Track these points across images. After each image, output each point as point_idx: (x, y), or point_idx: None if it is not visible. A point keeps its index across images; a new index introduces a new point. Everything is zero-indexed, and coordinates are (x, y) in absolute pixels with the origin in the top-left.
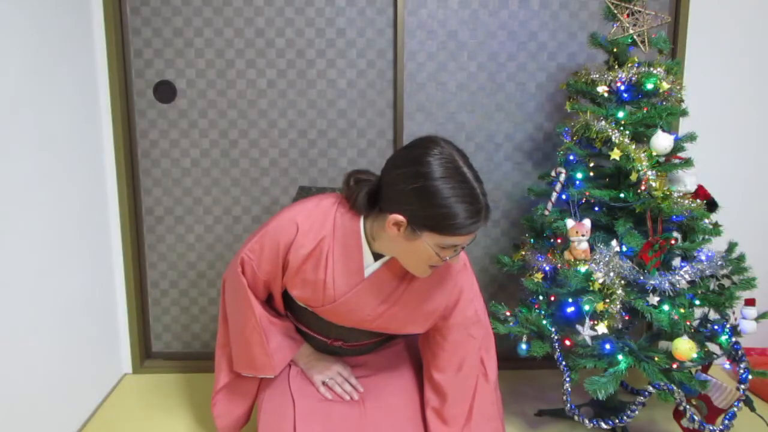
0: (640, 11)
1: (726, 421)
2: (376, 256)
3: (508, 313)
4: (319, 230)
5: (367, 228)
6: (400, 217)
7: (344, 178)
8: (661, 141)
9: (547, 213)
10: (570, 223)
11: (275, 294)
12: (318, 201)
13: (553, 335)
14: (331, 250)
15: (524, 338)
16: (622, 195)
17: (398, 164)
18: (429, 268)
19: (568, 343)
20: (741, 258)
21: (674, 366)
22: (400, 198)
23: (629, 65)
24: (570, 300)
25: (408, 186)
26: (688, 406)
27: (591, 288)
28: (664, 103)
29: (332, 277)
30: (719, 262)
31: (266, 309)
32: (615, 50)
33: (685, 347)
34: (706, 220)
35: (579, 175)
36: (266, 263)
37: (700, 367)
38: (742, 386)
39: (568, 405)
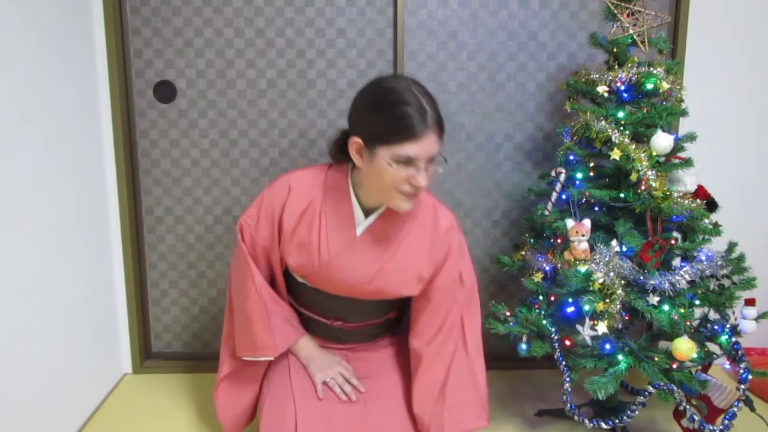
0: (640, 11)
1: (726, 421)
2: (368, 214)
3: (508, 313)
4: (311, 191)
5: (353, 182)
6: (357, 139)
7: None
8: (661, 141)
9: (547, 213)
10: (570, 223)
11: (276, 271)
12: (310, 167)
13: (553, 335)
14: (324, 210)
15: (524, 338)
16: (622, 195)
17: (356, 96)
18: (402, 196)
19: (568, 343)
20: (741, 258)
21: (674, 366)
22: (355, 121)
23: (629, 65)
24: (570, 300)
25: (359, 107)
26: (688, 406)
27: (591, 288)
28: (664, 103)
29: (326, 236)
30: (719, 262)
31: (268, 285)
32: (615, 50)
33: (685, 347)
34: (706, 220)
35: (579, 175)
36: (263, 228)
37: (700, 367)
38: (742, 386)
39: (568, 405)
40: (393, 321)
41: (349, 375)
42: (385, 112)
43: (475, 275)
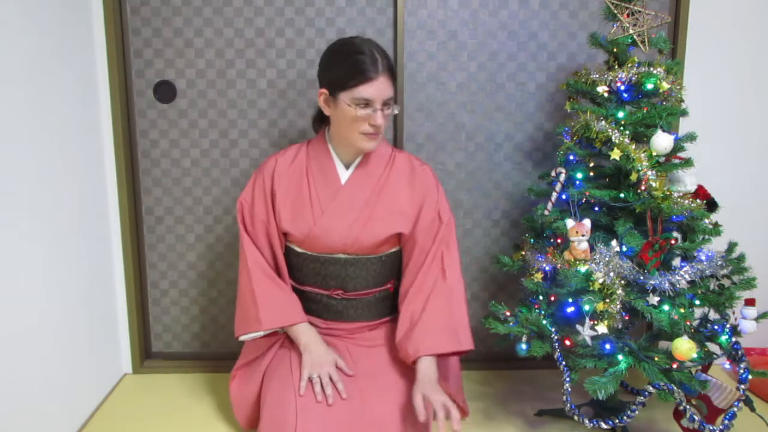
0: (640, 11)
1: (726, 421)
2: (348, 166)
3: (508, 313)
4: (294, 158)
5: (330, 139)
6: (323, 90)
7: None
8: (661, 141)
9: (547, 213)
10: (570, 223)
11: (276, 248)
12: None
13: (553, 335)
14: (309, 170)
15: (524, 338)
16: (622, 195)
17: (321, 56)
18: (363, 136)
19: (568, 343)
20: (741, 258)
21: (674, 366)
22: (321, 76)
23: (629, 65)
24: (570, 300)
25: (322, 62)
26: (688, 406)
27: (591, 288)
28: (664, 103)
29: (315, 191)
30: (719, 262)
31: (263, 262)
32: (615, 50)
33: (685, 347)
34: (706, 220)
35: (579, 175)
36: (258, 201)
37: (700, 367)
38: (742, 386)
39: (568, 405)
40: (391, 295)
41: (336, 378)
42: (343, 61)
43: (451, 213)
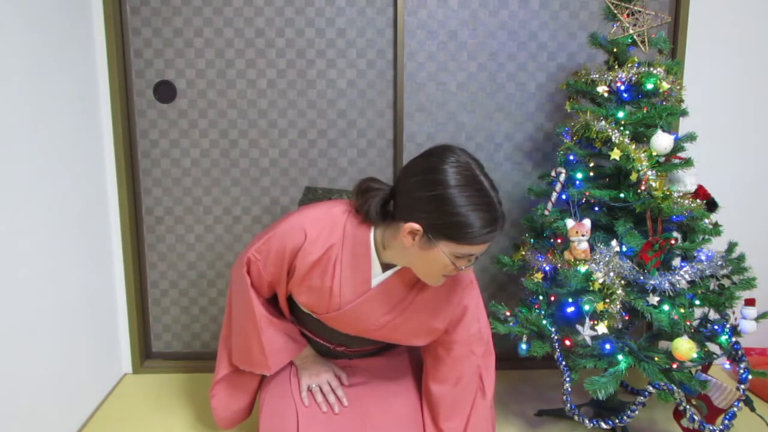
0: (640, 11)
1: (726, 421)
2: (385, 267)
3: (508, 313)
4: (327, 238)
5: (377, 237)
6: (416, 226)
7: (355, 187)
8: (661, 141)
9: (547, 213)
10: (570, 223)
11: (280, 298)
12: (328, 208)
13: (553, 335)
14: (339, 259)
15: (524, 338)
16: (622, 195)
17: (415, 172)
18: (442, 277)
19: (568, 343)
20: (741, 258)
21: (674, 366)
22: (415, 206)
23: (629, 65)
24: (570, 300)
25: (424, 194)
26: (688, 406)
27: (591, 288)
28: (664, 103)
29: (339, 285)
30: (719, 262)
31: (268, 309)
32: (615, 50)
33: (685, 347)
34: (706, 220)
35: (579, 175)
36: (272, 265)
37: (700, 367)
38: (742, 386)
39: (568, 405)
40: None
41: (335, 385)
42: (455, 216)
43: (490, 328)
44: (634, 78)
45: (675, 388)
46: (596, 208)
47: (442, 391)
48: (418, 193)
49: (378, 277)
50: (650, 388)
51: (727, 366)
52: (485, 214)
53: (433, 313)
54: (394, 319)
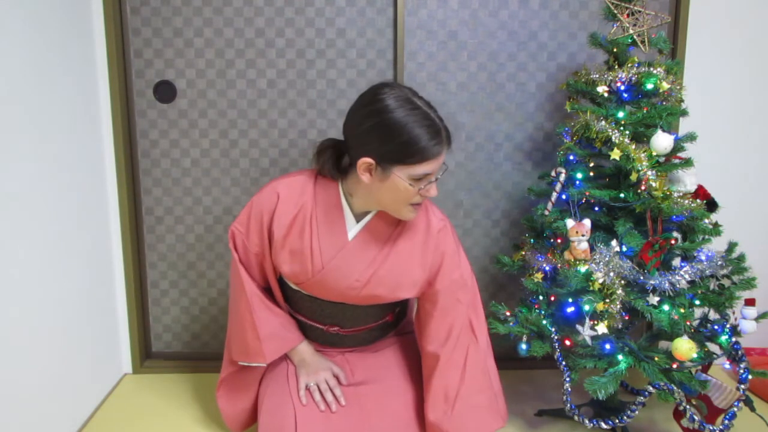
0: (640, 11)
1: (726, 421)
2: (358, 218)
3: (508, 313)
4: (299, 197)
5: (345, 189)
6: (368, 159)
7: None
8: (661, 141)
9: (547, 213)
10: (570, 223)
11: (271, 278)
12: (299, 174)
13: (553, 335)
14: (314, 216)
15: (524, 338)
16: (622, 195)
17: (355, 110)
18: (411, 207)
19: (568, 343)
20: (741, 258)
21: (674, 366)
22: (363, 140)
23: (629, 65)
24: (570, 300)
25: (367, 125)
26: (688, 406)
27: (591, 288)
28: (664, 103)
29: (318, 242)
30: (719, 262)
31: (261, 291)
32: (615, 50)
33: (685, 347)
34: (706, 220)
35: (579, 175)
36: (254, 235)
37: (700, 367)
38: (742, 386)
39: (568, 405)
40: (390, 324)
41: (333, 384)
42: (399, 137)
43: (473, 272)
44: (634, 78)
45: (675, 388)
46: (596, 208)
47: (436, 348)
48: (361, 127)
49: (353, 228)
50: (650, 388)
51: (727, 366)
52: (427, 129)
53: (412, 260)
54: (376, 271)
